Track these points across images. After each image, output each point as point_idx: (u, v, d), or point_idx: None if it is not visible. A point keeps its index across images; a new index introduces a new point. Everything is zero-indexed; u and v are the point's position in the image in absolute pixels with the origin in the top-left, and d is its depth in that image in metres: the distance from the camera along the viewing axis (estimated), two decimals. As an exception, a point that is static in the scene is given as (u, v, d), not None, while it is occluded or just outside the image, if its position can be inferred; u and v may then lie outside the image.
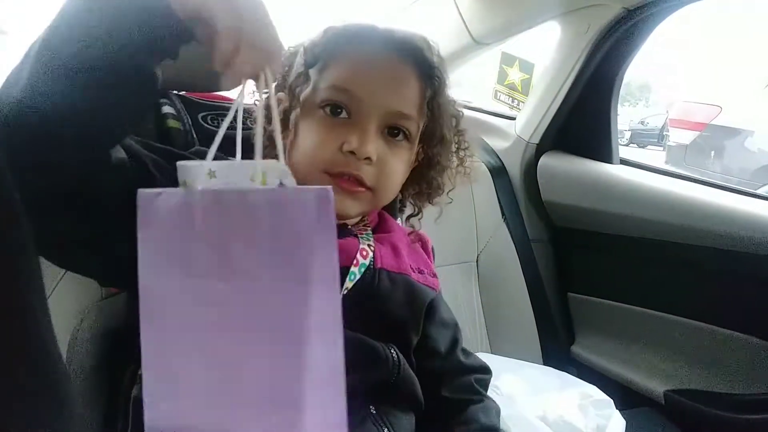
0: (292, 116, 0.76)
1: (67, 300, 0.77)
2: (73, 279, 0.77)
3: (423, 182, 0.84)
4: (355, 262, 0.72)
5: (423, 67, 0.76)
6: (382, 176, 0.74)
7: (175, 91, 0.86)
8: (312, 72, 0.75)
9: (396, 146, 0.75)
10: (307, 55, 0.76)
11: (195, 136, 0.82)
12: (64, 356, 0.74)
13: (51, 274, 0.76)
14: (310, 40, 0.77)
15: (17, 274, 0.33)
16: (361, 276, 0.72)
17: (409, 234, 0.88)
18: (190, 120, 0.82)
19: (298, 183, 0.75)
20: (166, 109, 0.81)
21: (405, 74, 0.75)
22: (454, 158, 0.86)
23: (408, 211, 0.91)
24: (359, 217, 0.83)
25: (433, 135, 0.79)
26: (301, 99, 0.75)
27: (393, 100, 0.74)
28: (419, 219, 0.91)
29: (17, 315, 0.33)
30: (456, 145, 0.85)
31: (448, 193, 0.89)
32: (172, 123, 0.80)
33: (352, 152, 0.70)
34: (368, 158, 0.70)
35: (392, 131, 0.75)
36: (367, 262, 0.74)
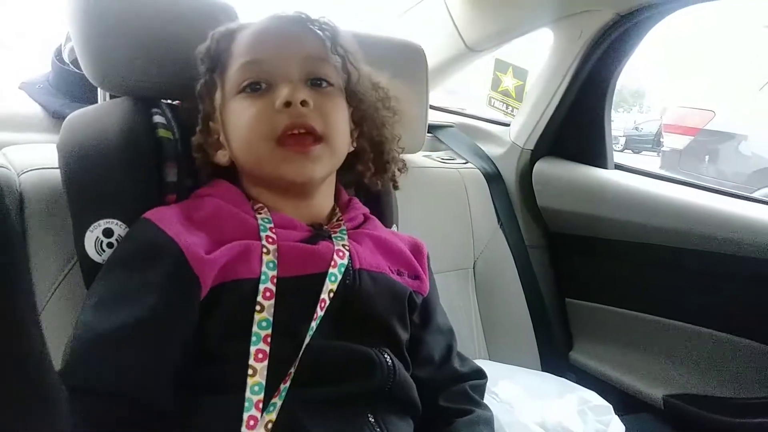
0: (212, 124, 0.79)
1: (63, 310, 0.76)
2: (68, 289, 0.77)
3: (363, 123, 0.84)
4: (333, 263, 0.71)
5: (312, 24, 0.79)
6: (327, 121, 0.74)
7: (165, 101, 0.86)
8: (216, 75, 0.77)
9: (326, 93, 0.77)
10: (205, 62, 0.78)
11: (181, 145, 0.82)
12: (61, 365, 0.74)
13: (45, 285, 0.75)
14: (200, 50, 0.79)
15: (8, 288, 0.33)
16: (343, 279, 0.71)
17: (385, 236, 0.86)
18: (179, 130, 0.82)
19: (253, 166, 0.75)
20: (157, 118, 0.80)
21: (299, 30, 0.78)
22: (386, 112, 0.86)
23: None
24: (331, 212, 0.83)
25: (350, 74, 0.80)
26: (215, 104, 0.78)
27: (300, 47, 0.76)
28: (380, 173, 0.89)
29: (8, 327, 0.33)
30: (380, 101, 0.85)
31: (397, 142, 0.88)
32: (162, 133, 0.79)
33: (286, 104, 0.71)
34: (304, 101, 0.71)
35: (315, 81, 0.76)
36: (345, 261, 0.73)
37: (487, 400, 0.87)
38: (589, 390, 1.08)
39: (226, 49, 0.77)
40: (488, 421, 0.81)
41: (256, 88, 0.74)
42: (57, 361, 0.74)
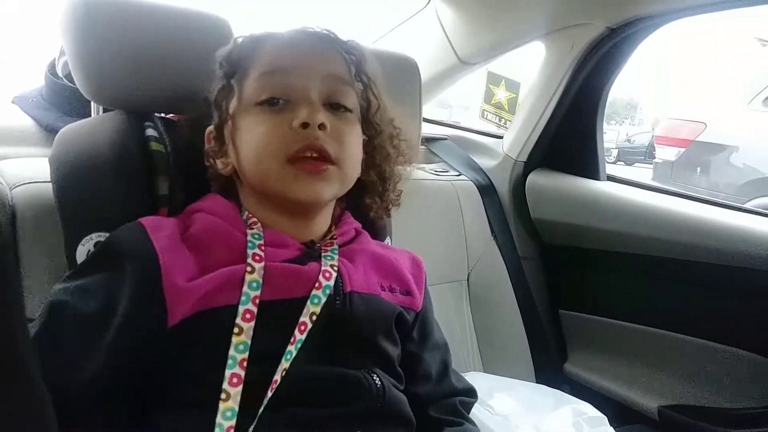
0: (226, 131, 0.75)
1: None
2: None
3: (375, 153, 0.82)
4: (317, 285, 0.69)
5: (338, 45, 0.78)
6: (341, 147, 0.73)
7: (158, 114, 0.86)
8: (234, 81, 0.75)
9: (344, 117, 0.75)
10: (224, 67, 0.76)
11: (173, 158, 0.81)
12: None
13: (38, 299, 0.75)
14: (222, 54, 0.77)
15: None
16: (332, 302, 0.70)
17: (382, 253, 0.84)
18: (170, 142, 0.81)
19: (258, 182, 0.73)
20: (149, 132, 0.80)
21: (325, 49, 0.77)
22: (389, 147, 0.83)
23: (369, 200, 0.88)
24: (326, 230, 0.81)
25: (370, 103, 0.79)
26: (230, 111, 0.74)
27: (324, 65, 0.75)
28: (385, 207, 0.88)
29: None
30: (394, 138, 0.84)
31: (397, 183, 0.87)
32: (154, 146, 0.79)
33: (303, 125, 0.69)
34: (322, 125, 0.70)
35: (334, 105, 0.75)
36: (331, 283, 0.70)
37: (483, 412, 0.87)
38: (584, 402, 1.08)
39: (248, 56, 0.75)
40: None
41: (273, 102, 0.72)
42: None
